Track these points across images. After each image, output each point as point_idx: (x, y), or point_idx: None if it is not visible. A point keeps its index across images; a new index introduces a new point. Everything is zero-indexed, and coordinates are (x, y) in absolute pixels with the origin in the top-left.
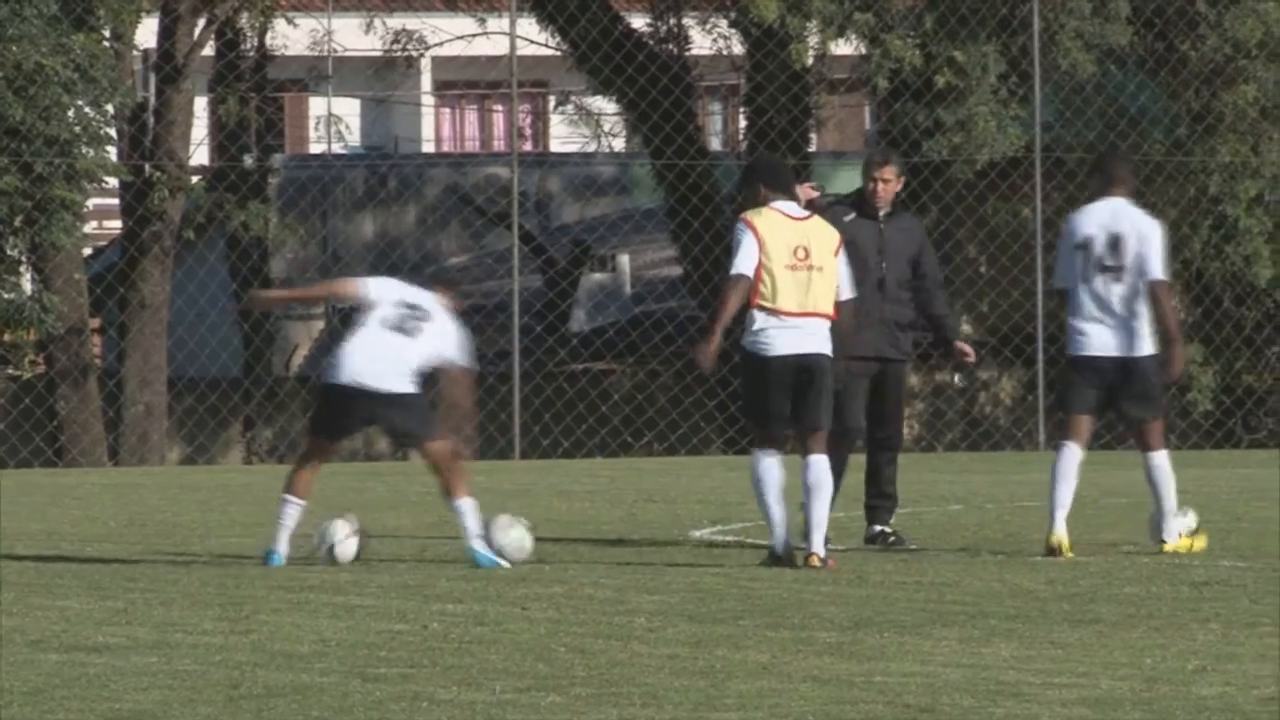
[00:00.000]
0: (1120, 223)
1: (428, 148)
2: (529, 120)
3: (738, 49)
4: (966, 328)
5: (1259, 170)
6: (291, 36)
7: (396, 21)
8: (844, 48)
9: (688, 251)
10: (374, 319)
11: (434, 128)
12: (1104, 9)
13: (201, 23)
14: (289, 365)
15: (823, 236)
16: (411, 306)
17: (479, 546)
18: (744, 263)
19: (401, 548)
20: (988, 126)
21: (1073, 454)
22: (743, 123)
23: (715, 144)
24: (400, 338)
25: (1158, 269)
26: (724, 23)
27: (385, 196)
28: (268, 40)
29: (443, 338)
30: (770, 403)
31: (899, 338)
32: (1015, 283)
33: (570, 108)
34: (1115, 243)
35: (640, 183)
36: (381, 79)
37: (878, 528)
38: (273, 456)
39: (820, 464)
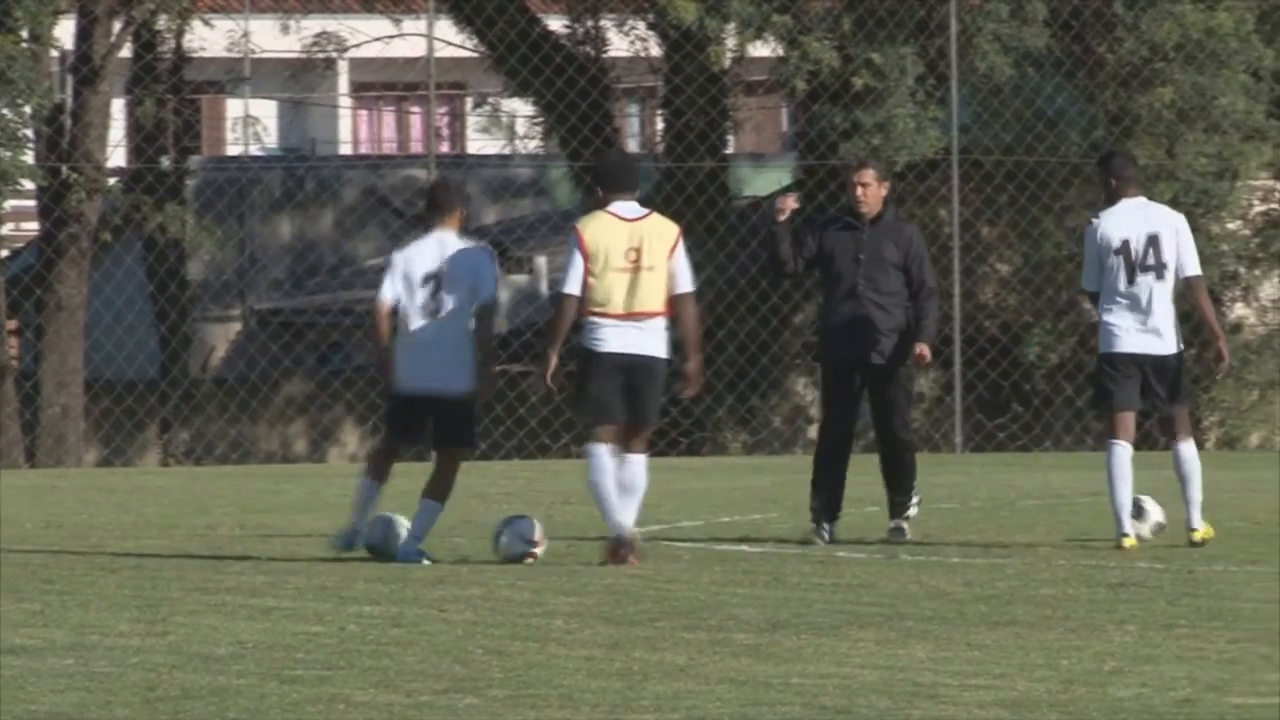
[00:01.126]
0: (1154, 222)
1: (345, 149)
2: (446, 122)
3: (655, 51)
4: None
5: (1175, 173)
6: (208, 38)
7: (314, 23)
8: (762, 50)
9: None
10: None
11: (351, 129)
12: (1021, 12)
13: (119, 24)
14: (205, 367)
15: (657, 235)
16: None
17: (411, 548)
18: (570, 283)
19: (318, 550)
20: (905, 129)
21: (1125, 451)
22: (660, 125)
23: (633, 146)
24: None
25: (1195, 265)
26: (642, 25)
27: (303, 198)
28: (185, 42)
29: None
30: (601, 398)
31: (882, 342)
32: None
33: (487, 109)
34: (1155, 242)
35: (558, 185)
36: (299, 81)
37: (892, 523)
38: (189, 458)
39: (636, 464)
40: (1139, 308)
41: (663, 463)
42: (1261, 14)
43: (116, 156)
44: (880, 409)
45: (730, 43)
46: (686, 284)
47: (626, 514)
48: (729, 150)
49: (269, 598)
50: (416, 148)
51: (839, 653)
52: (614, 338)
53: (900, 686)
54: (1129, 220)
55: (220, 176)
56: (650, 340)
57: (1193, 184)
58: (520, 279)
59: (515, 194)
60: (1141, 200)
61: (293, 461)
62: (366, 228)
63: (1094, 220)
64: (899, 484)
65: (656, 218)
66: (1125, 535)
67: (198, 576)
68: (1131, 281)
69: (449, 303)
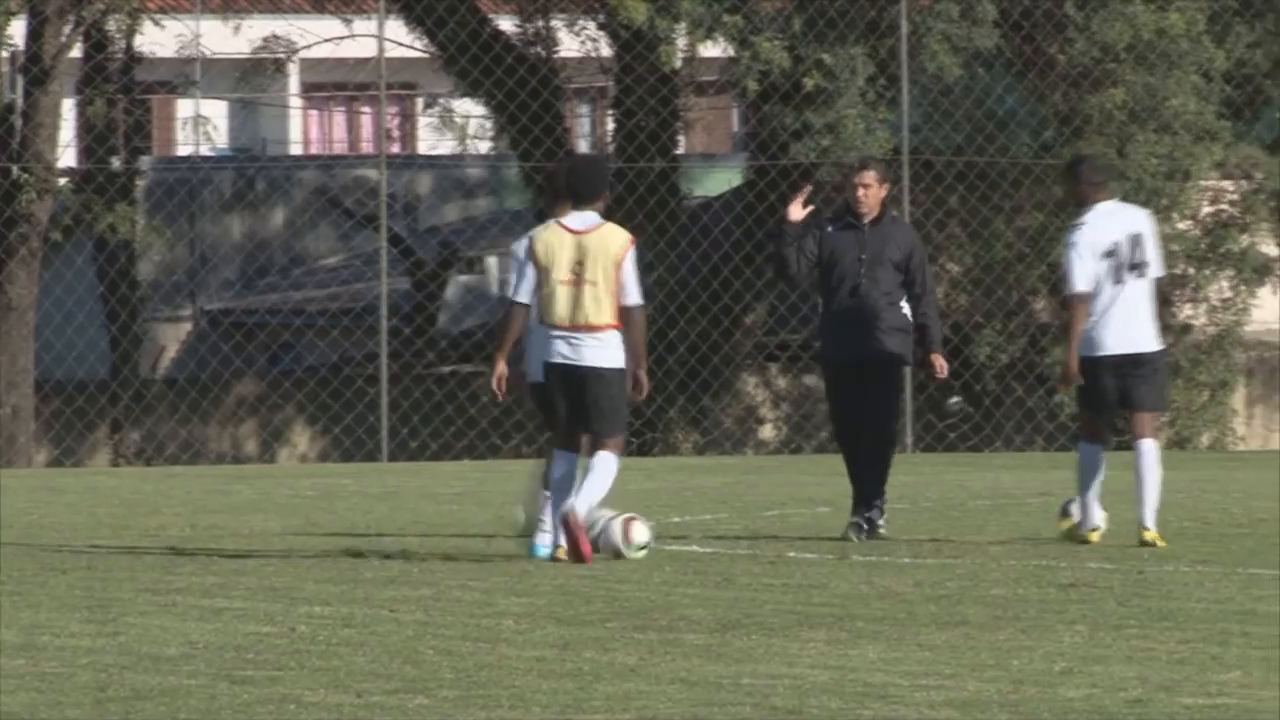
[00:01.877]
0: (1134, 223)
1: (296, 150)
2: (397, 122)
3: (606, 51)
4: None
5: (1125, 173)
6: (159, 39)
7: (264, 24)
8: (712, 50)
9: None
10: None
11: (302, 130)
12: (971, 12)
13: (69, 25)
14: (156, 367)
15: (601, 248)
16: None
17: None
18: (521, 290)
19: (269, 550)
20: (856, 129)
21: (1099, 450)
22: (611, 125)
23: (583, 146)
24: None
25: (1161, 266)
26: (592, 25)
27: (253, 199)
28: (135, 42)
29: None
30: (554, 406)
31: (883, 340)
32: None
33: (438, 110)
34: (1138, 241)
35: (508, 185)
36: (249, 81)
37: (856, 519)
38: (140, 459)
39: (603, 459)
40: (1132, 307)
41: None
42: (1212, 15)
43: (67, 157)
44: (873, 403)
45: (681, 43)
46: (633, 297)
47: (582, 496)
48: (680, 150)
49: (220, 598)
50: (367, 148)
51: (790, 653)
52: (557, 349)
53: (851, 687)
54: (1113, 222)
55: (171, 177)
56: (595, 352)
57: (1143, 184)
58: (471, 279)
59: (466, 194)
60: (1114, 202)
61: (243, 462)
62: (317, 228)
63: (1079, 225)
64: (873, 480)
65: (607, 230)
66: (1096, 529)
67: (148, 577)
68: (1120, 281)
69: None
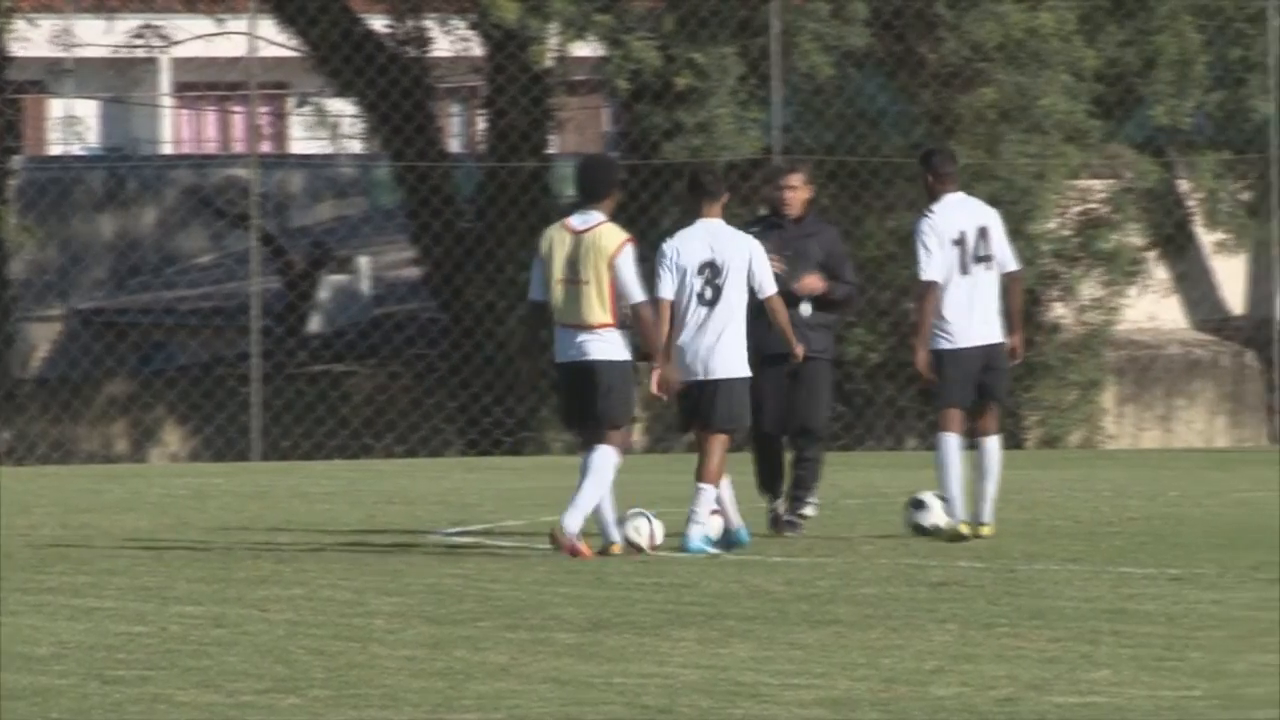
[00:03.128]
0: (982, 216)
1: (167, 149)
2: (269, 121)
3: (478, 51)
4: None
5: (995, 172)
6: (31, 36)
7: (136, 21)
8: (584, 49)
9: (428, 253)
10: None
11: (174, 129)
12: (843, 11)
13: None
14: (27, 367)
15: (597, 249)
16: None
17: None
18: (534, 289)
19: (141, 550)
20: (727, 129)
21: (956, 441)
22: (482, 124)
23: (455, 146)
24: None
25: (1015, 260)
26: (464, 25)
27: (125, 198)
28: (7, 41)
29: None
30: (561, 402)
31: (810, 337)
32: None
33: (310, 109)
34: (985, 234)
35: (380, 184)
36: (122, 78)
37: (783, 513)
38: (11, 458)
39: (600, 452)
40: (977, 298)
41: (485, 462)
42: (1083, 14)
43: None
44: (802, 400)
45: (552, 42)
46: (634, 295)
47: (580, 497)
48: (551, 150)
49: (91, 598)
50: (239, 147)
51: (661, 652)
52: (563, 347)
53: (722, 686)
54: (959, 214)
55: (43, 176)
56: (594, 347)
57: (1013, 183)
58: (343, 279)
59: (338, 194)
60: (962, 195)
61: (115, 461)
62: (189, 227)
63: (929, 214)
64: (803, 478)
65: (603, 229)
66: (963, 521)
67: (20, 577)
68: (966, 272)
69: (728, 291)
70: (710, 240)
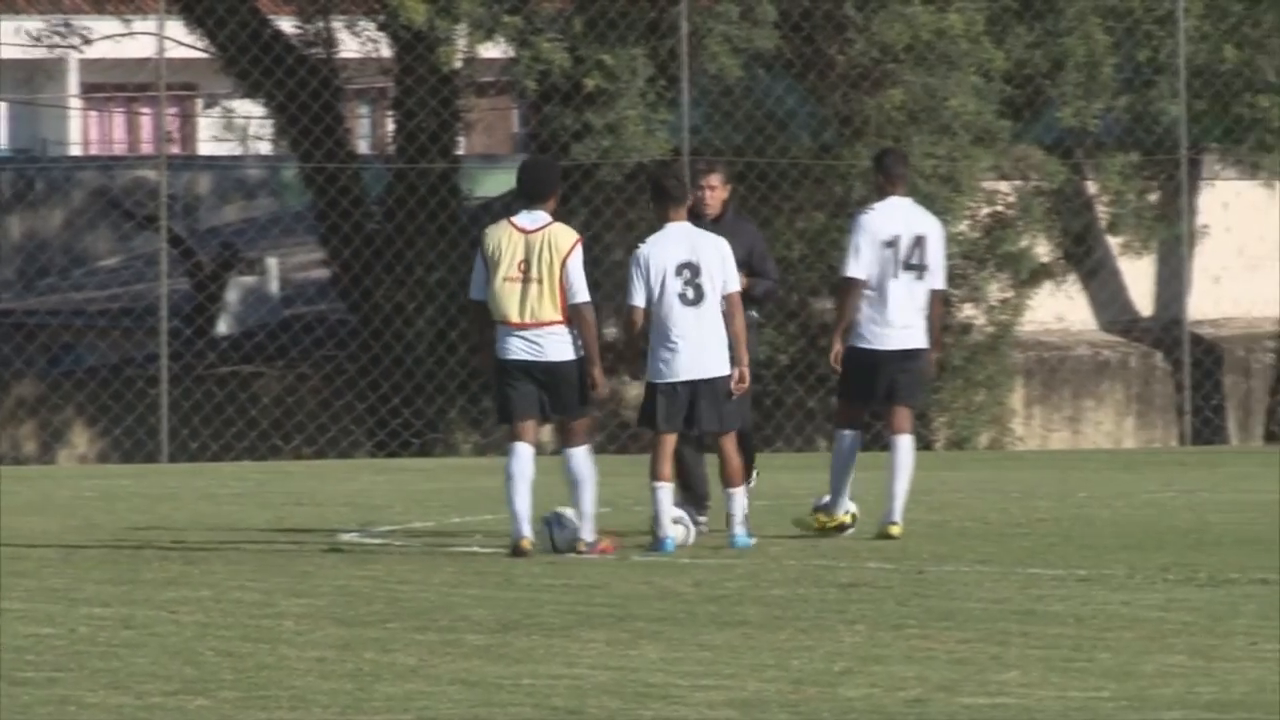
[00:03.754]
0: (921, 224)
1: (75, 150)
2: (177, 123)
3: (386, 52)
4: (611, 330)
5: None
6: None
7: (43, 22)
8: (493, 50)
9: (337, 254)
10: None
11: (82, 131)
12: (751, 13)
13: None
14: None
15: (548, 247)
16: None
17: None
18: (475, 288)
19: (49, 552)
20: (636, 130)
21: (855, 442)
22: (391, 126)
23: (363, 147)
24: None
25: (944, 278)
26: (373, 26)
27: (33, 199)
28: None
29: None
30: (508, 400)
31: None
32: None
33: (218, 110)
34: (921, 243)
35: (289, 186)
36: (30, 80)
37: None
38: None
39: (577, 457)
40: (904, 304)
41: (394, 463)
42: (992, 15)
43: None
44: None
45: (461, 44)
46: (580, 295)
47: (585, 509)
48: (460, 151)
49: None
50: (147, 149)
51: (570, 653)
52: (514, 347)
53: (631, 687)
54: (898, 216)
55: None
56: (547, 346)
57: (918, 187)
58: (251, 280)
59: (247, 195)
60: (908, 200)
61: (23, 463)
62: (97, 229)
63: (867, 210)
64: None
65: (555, 229)
66: (849, 512)
67: None
68: (895, 276)
69: (708, 289)
70: (685, 241)
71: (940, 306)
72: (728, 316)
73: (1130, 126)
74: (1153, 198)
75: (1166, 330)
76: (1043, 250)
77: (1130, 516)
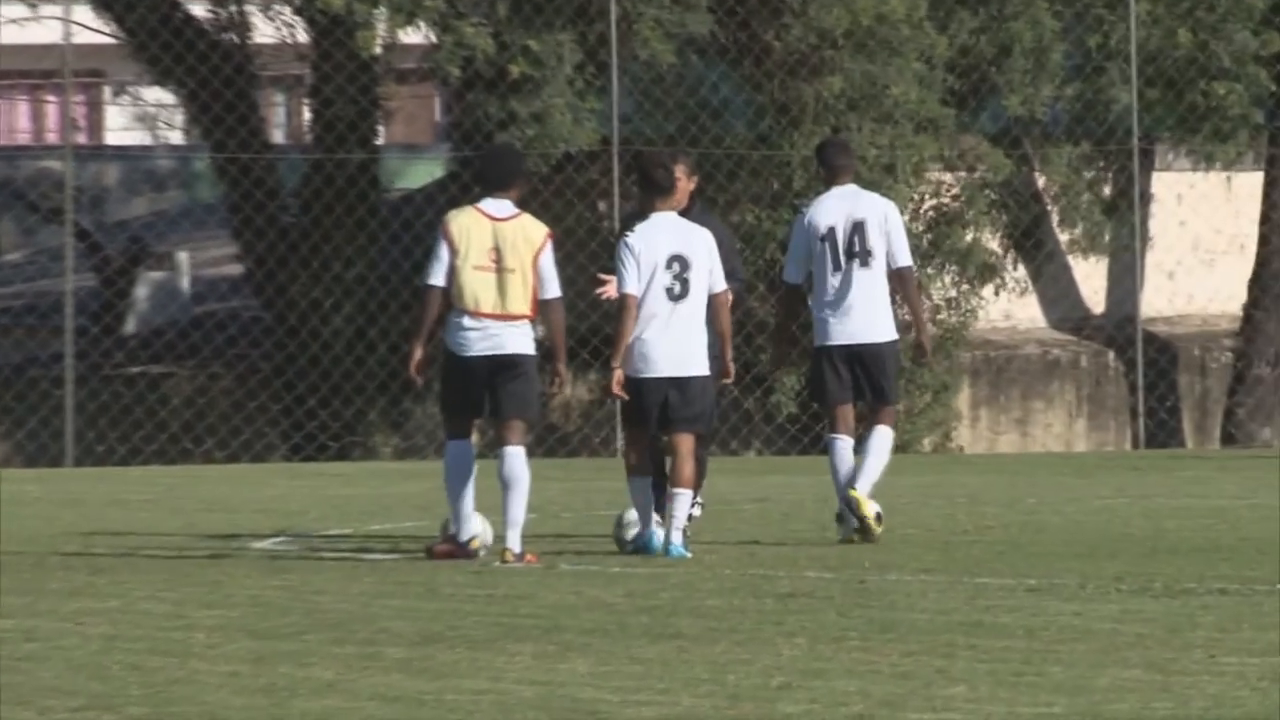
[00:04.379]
0: (861, 209)
1: None
2: (84, 111)
3: (303, 37)
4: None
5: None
6: None
7: None
8: (414, 35)
9: (251, 248)
10: None
11: None
12: None
13: None
14: None
15: (521, 238)
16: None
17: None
18: (434, 273)
19: None
20: (563, 119)
21: (845, 444)
22: (308, 115)
23: (279, 137)
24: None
25: (906, 255)
26: (288, 10)
27: None
28: None
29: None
30: (459, 396)
31: None
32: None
33: (127, 98)
34: (860, 229)
35: (201, 177)
36: None
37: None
38: None
39: (516, 457)
40: (845, 297)
41: (310, 468)
42: (934, 0)
43: None
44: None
45: (381, 28)
46: (552, 290)
47: (513, 514)
48: (380, 141)
49: None
50: (52, 138)
51: (495, 667)
52: (476, 340)
53: (559, 703)
54: (836, 207)
55: None
56: (509, 340)
57: (862, 175)
58: (161, 275)
59: (156, 187)
60: (852, 188)
61: None
62: (0, 222)
63: (803, 210)
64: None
65: (526, 220)
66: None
67: None
68: (837, 269)
69: (695, 285)
70: (674, 233)
71: (912, 286)
72: (714, 316)
73: (1080, 115)
74: (1105, 190)
75: (1119, 328)
76: (991, 245)
77: (1082, 523)
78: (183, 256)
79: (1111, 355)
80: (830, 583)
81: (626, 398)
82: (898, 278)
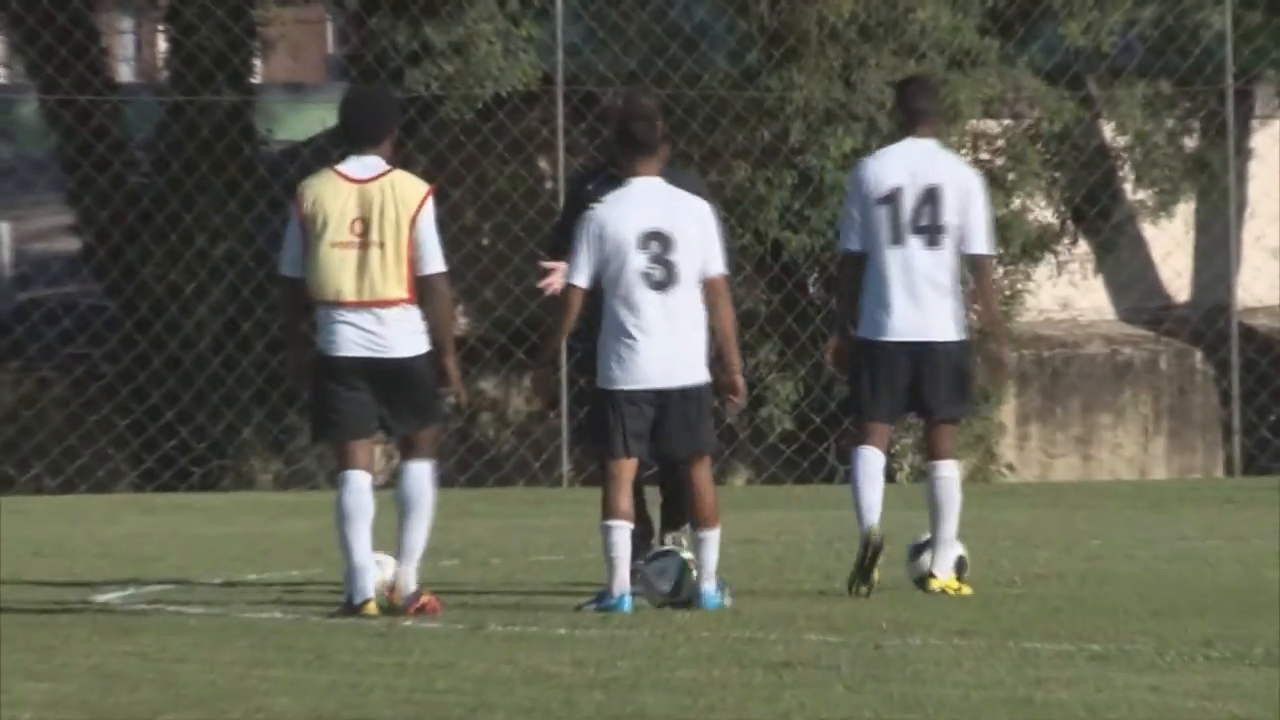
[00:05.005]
0: (937, 172)
1: None
2: None
3: None
4: (464, 319)
5: (854, 110)
6: None
7: None
8: None
9: (90, 218)
10: None
11: None
12: None
13: None
14: None
15: (392, 201)
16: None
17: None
18: (286, 259)
19: None
20: (492, 51)
21: (876, 456)
22: (163, 45)
23: (126, 74)
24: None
25: (983, 240)
26: None
27: None
28: None
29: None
30: (335, 412)
31: None
32: (531, 260)
33: None
34: (933, 197)
35: (25, 126)
36: None
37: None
38: None
39: (419, 474)
40: (904, 280)
41: (167, 500)
42: None
43: None
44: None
45: None
46: (433, 264)
47: (410, 539)
48: (257, 80)
49: None
50: None
51: None
52: (345, 338)
53: None
54: (906, 164)
55: None
56: (391, 339)
57: (876, 124)
58: None
59: None
60: (931, 144)
61: None
62: None
63: (862, 163)
64: (678, 508)
65: (397, 177)
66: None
67: None
68: (896, 242)
69: (683, 269)
70: (652, 204)
71: (989, 280)
72: (711, 306)
73: (1159, 46)
74: (1189, 142)
75: (1208, 321)
76: (1044, 213)
77: (1160, 572)
78: (3, 227)
79: (1199, 356)
80: (836, 648)
81: (551, 414)
82: (974, 266)
